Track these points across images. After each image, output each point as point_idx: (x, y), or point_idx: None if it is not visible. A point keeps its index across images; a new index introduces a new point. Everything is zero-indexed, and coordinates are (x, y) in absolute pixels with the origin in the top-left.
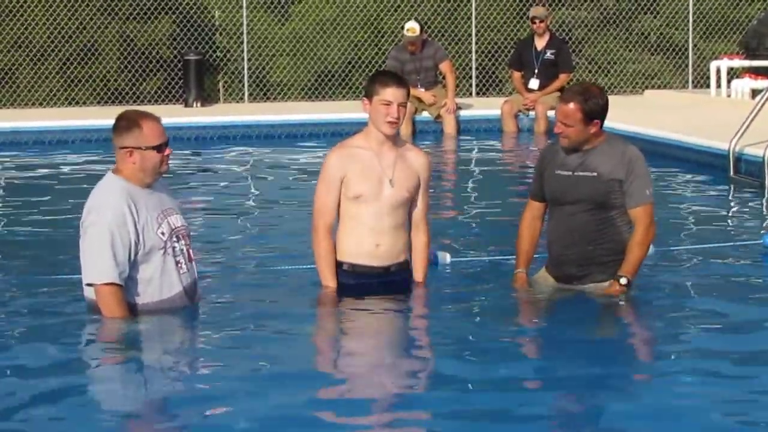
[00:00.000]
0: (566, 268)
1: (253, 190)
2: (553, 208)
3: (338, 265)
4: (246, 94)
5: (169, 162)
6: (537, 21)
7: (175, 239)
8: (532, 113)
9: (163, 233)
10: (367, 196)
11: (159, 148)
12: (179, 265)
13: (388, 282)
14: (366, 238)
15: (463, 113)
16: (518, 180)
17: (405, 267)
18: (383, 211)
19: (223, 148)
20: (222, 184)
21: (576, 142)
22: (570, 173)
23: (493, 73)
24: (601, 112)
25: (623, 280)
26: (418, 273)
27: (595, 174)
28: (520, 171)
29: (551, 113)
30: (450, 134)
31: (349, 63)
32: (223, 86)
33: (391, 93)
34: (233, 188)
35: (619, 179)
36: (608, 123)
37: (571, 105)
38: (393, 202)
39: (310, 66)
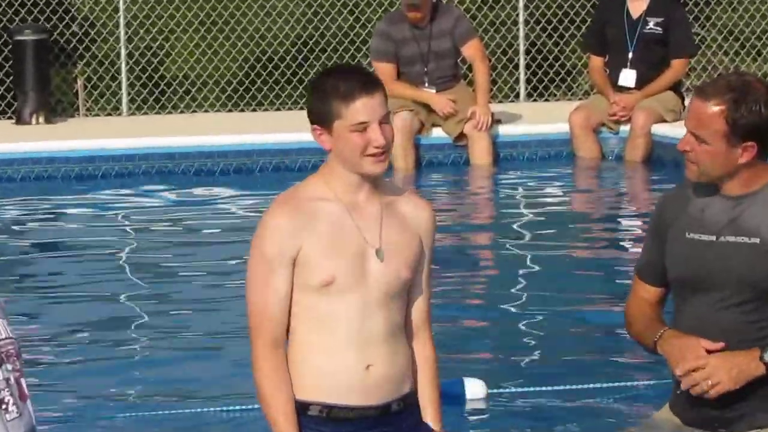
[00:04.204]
0: (706, 403)
1: (134, 262)
2: (681, 296)
3: (302, 409)
4: (125, 100)
5: None
6: None
7: None
8: (624, 128)
9: None
10: (341, 282)
11: None
12: (4, 406)
13: None
14: (346, 357)
15: (503, 130)
16: (601, 246)
17: (414, 403)
18: (371, 306)
19: (84, 192)
20: (84, 251)
21: (710, 173)
22: (713, 238)
23: (555, 60)
24: (763, 129)
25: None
26: (429, 413)
27: (756, 241)
28: (604, 230)
29: (660, 129)
30: (481, 165)
31: (303, 44)
32: (84, 87)
33: (363, 107)
34: (102, 259)
35: None
36: None
37: (712, 105)
38: (385, 288)
39: (234, 52)
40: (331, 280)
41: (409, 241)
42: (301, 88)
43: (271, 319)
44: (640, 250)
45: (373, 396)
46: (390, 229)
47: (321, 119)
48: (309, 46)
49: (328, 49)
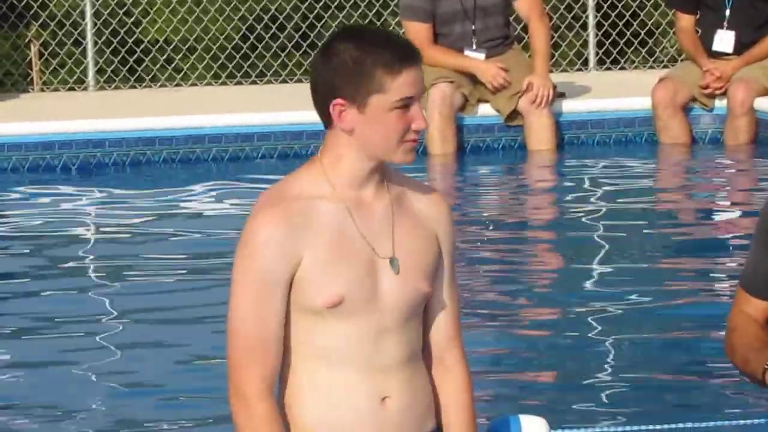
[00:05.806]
0: None
1: (100, 276)
2: None
3: None
4: (91, 71)
5: None
6: None
7: None
8: (720, 103)
9: None
10: (350, 303)
11: None
12: None
13: None
14: (357, 390)
15: (568, 106)
16: (693, 252)
17: None
18: (385, 329)
19: (40, 187)
20: (37, 262)
21: None
22: None
23: (633, 17)
24: None
25: None
26: None
27: None
28: (697, 232)
29: (765, 105)
30: (539, 151)
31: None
32: (40, 55)
33: (411, 79)
34: (59, 271)
35: None
36: None
37: None
38: (403, 306)
39: (228, 10)
40: (339, 301)
41: (427, 246)
42: (312, 54)
43: (268, 350)
44: (744, 256)
45: None
46: (403, 233)
47: (351, 92)
48: (323, 2)
49: (347, 5)
